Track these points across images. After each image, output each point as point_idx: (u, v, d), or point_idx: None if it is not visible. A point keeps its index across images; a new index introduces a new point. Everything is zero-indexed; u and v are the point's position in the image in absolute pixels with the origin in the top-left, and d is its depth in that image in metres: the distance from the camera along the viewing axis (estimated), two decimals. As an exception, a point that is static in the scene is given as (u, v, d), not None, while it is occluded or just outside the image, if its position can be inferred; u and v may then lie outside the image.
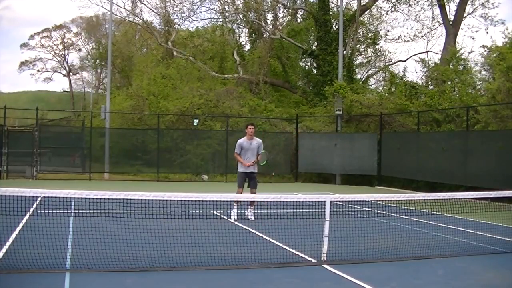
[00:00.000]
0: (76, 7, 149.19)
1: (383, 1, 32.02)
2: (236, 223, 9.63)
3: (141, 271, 6.02)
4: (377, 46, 34.37)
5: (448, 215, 9.84)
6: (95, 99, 55.05)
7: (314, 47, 31.05)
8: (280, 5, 33.40)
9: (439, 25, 31.21)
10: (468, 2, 28.17)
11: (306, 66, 35.56)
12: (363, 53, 34.20)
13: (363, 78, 34.47)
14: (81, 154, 23.35)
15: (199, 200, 6.71)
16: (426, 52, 33.05)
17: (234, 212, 10.00)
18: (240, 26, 37.48)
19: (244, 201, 10.20)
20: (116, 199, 6.41)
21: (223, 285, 5.74)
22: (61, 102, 66.15)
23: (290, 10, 34.37)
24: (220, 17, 35.57)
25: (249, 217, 10.06)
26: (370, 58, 34.94)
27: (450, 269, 6.67)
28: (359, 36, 31.60)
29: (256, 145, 10.47)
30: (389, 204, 12.62)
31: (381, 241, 8.03)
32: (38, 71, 64.06)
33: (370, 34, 33.67)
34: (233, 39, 36.92)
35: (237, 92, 28.04)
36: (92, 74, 62.45)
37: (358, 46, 32.04)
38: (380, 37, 33.84)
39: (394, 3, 31.61)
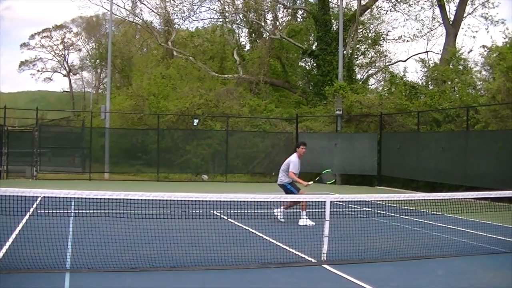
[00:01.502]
0: (76, 7, 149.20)
1: (383, 1, 32.06)
2: (236, 222, 9.63)
3: (141, 271, 6.02)
4: (379, 47, 34.34)
5: (448, 215, 9.84)
6: (95, 99, 55.06)
7: (314, 47, 31.04)
8: (280, 5, 33.40)
9: (439, 25, 31.23)
10: (468, 2, 28.16)
11: (306, 66, 35.56)
12: (365, 53, 34.15)
13: (363, 78, 34.47)
14: (81, 154, 23.35)
15: (199, 200, 6.71)
16: (426, 52, 33.07)
17: (280, 213, 10.10)
18: (240, 26, 37.52)
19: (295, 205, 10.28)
20: (116, 199, 6.41)
21: (223, 285, 5.74)
22: (61, 102, 66.09)
23: (290, 10, 34.37)
24: (220, 17, 35.62)
25: (278, 217, 10.11)
26: (372, 58, 34.89)
27: (450, 269, 6.67)
28: (359, 37, 31.58)
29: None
30: (389, 204, 12.61)
31: (381, 241, 8.02)
32: (38, 71, 64.22)
33: (371, 34, 33.64)
34: (233, 39, 36.91)
35: (237, 92, 28.04)
36: (92, 74, 62.54)
37: (358, 46, 32.04)
38: (382, 39, 33.82)
39: (394, 3, 31.63)
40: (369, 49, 34.12)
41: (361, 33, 32.08)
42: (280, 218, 10.09)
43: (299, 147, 10.55)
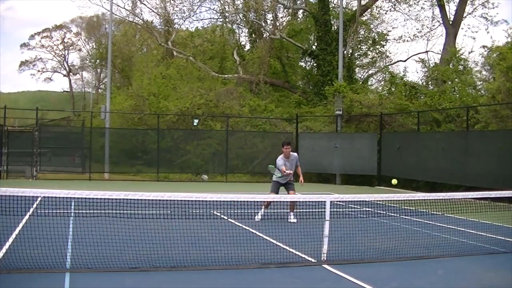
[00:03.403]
0: (76, 7, 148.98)
1: (383, 1, 32.03)
2: (236, 222, 9.63)
3: (141, 271, 6.02)
4: (380, 48, 34.29)
5: (448, 215, 9.84)
6: (95, 99, 55.06)
7: (314, 47, 31.03)
8: (280, 5, 33.39)
9: (439, 25, 31.21)
10: (468, 2, 28.15)
11: (306, 66, 35.54)
12: (367, 53, 34.10)
13: (363, 78, 34.46)
14: (81, 154, 23.36)
15: (199, 200, 6.71)
16: (426, 52, 33.03)
17: (260, 213, 10.05)
18: (240, 26, 37.50)
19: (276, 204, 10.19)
20: (116, 199, 6.41)
21: (223, 285, 5.74)
22: (61, 102, 66.05)
23: (290, 10, 34.36)
24: (220, 17, 35.60)
25: (292, 220, 10.04)
26: (374, 59, 34.85)
27: (450, 269, 6.67)
28: (360, 37, 31.56)
29: (294, 161, 10.50)
30: (389, 204, 12.62)
31: (381, 241, 8.03)
32: (38, 71, 64.09)
33: (372, 34, 33.60)
34: (233, 39, 36.90)
35: (237, 92, 28.04)
36: (92, 74, 62.44)
37: (359, 46, 32.00)
38: (384, 40, 33.78)
39: (394, 3, 31.62)
40: (370, 49, 34.10)
41: (361, 32, 32.05)
42: (294, 220, 10.05)
43: (283, 147, 10.52)
